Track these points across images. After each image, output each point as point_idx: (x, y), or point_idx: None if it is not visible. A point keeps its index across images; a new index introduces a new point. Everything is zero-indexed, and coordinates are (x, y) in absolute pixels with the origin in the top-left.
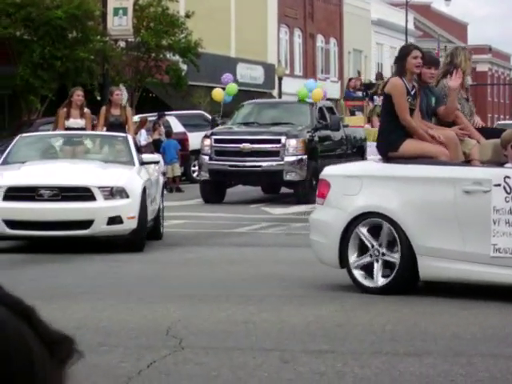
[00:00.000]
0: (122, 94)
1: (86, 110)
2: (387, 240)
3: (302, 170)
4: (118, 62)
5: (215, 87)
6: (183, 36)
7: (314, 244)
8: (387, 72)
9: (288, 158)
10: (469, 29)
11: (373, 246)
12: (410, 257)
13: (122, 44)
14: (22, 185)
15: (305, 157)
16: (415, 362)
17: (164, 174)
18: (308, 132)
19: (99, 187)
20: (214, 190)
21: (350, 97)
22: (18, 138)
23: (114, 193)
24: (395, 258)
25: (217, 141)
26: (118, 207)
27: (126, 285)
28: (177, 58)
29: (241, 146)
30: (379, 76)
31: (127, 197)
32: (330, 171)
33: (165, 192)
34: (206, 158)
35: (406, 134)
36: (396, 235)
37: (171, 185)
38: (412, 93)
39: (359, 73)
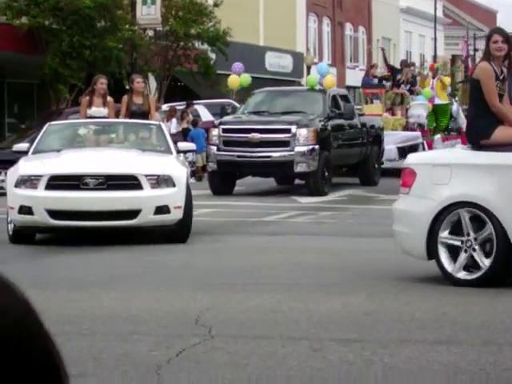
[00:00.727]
0: (143, 82)
1: (109, 98)
2: (480, 229)
3: (313, 161)
4: (147, 51)
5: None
6: (212, 25)
7: (398, 235)
8: (416, 59)
9: (299, 148)
10: (498, 16)
11: (468, 235)
12: (505, 247)
13: (151, 33)
14: (66, 173)
15: (316, 147)
16: (444, 350)
17: (194, 162)
18: (320, 121)
19: (146, 175)
20: (223, 182)
21: (368, 84)
22: (47, 125)
23: (160, 181)
24: (488, 248)
25: (225, 130)
26: (166, 196)
27: (155, 274)
28: (205, 46)
29: (249, 135)
30: (404, 63)
31: (173, 186)
32: (415, 159)
33: (193, 180)
34: (214, 148)
35: (498, 121)
36: (491, 225)
37: (200, 173)
38: (501, 77)
39: (383, 50)
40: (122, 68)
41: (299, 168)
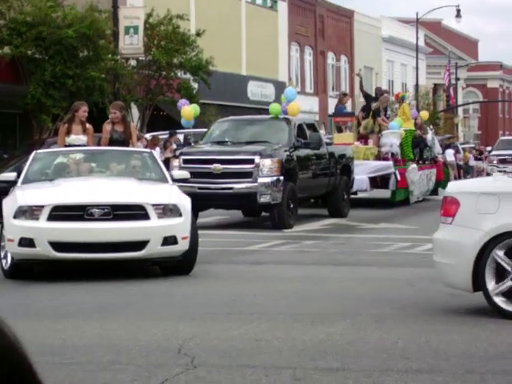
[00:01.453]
0: (119, 112)
1: (88, 125)
2: None
3: (277, 192)
4: (130, 81)
5: (226, 105)
6: (194, 54)
7: (440, 266)
8: (398, 88)
9: (262, 180)
10: (479, 45)
11: None
12: None
13: (133, 63)
14: (69, 203)
15: (281, 178)
16: (427, 379)
17: None
18: (285, 151)
19: (153, 205)
20: None
21: (339, 113)
22: (33, 154)
23: (167, 211)
24: None
25: (186, 161)
26: (173, 226)
27: (136, 303)
28: (188, 76)
29: (211, 166)
30: (379, 91)
31: (180, 215)
32: (457, 188)
33: None
34: None
35: None
36: None
37: None
38: None
39: (360, 76)
40: (104, 97)
41: (263, 199)
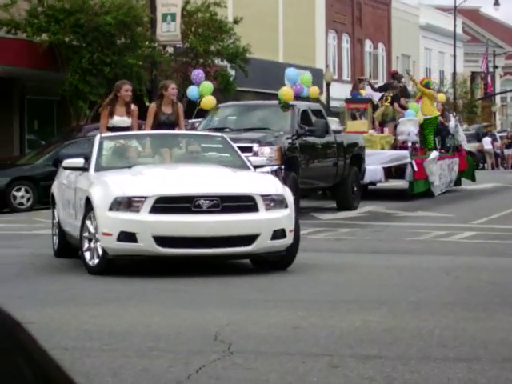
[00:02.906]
0: (176, 89)
1: (133, 106)
2: None
3: None
4: (167, 68)
5: (263, 93)
6: (231, 41)
7: None
8: (435, 76)
9: (261, 169)
10: None
11: None
12: None
13: (171, 50)
14: (176, 194)
15: (282, 167)
16: (464, 367)
17: None
18: (287, 138)
19: (262, 195)
20: None
21: (353, 99)
22: (98, 138)
23: (274, 202)
24: None
25: None
26: (282, 219)
27: (174, 290)
28: (225, 63)
29: None
30: (396, 75)
31: (286, 206)
32: None
33: None
34: None
35: None
36: None
37: None
38: None
39: (368, 81)
40: (142, 85)
41: None
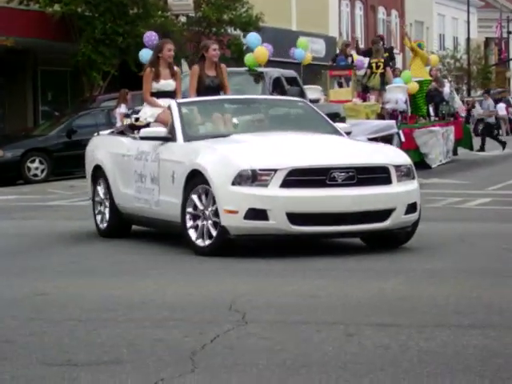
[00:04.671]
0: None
1: (176, 68)
2: None
3: None
4: (180, 38)
5: (276, 61)
6: (244, 10)
7: None
8: (449, 43)
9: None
10: None
11: None
12: None
13: (183, 19)
14: (310, 166)
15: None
16: (479, 334)
17: None
18: None
19: (396, 166)
20: None
21: (336, 66)
22: (175, 105)
23: (404, 173)
24: None
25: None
26: (414, 192)
27: (190, 260)
28: (238, 32)
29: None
30: (378, 39)
31: (413, 178)
32: None
33: None
34: None
35: None
36: None
37: None
38: None
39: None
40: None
41: None
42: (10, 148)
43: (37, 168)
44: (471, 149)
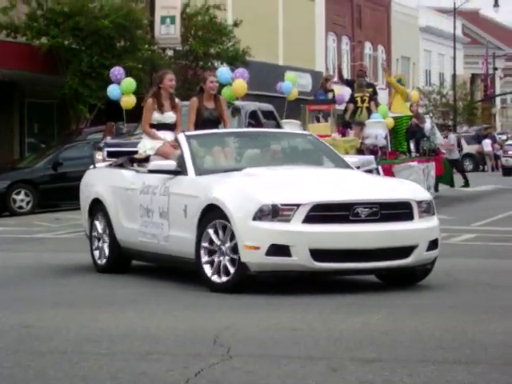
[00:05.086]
0: (216, 81)
1: (177, 100)
2: None
3: None
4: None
5: (262, 95)
6: (231, 44)
7: None
8: (435, 79)
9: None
10: None
11: None
12: None
13: (170, 53)
14: (334, 201)
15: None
16: (464, 370)
17: None
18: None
19: (417, 202)
20: None
21: (315, 100)
22: (183, 137)
23: (424, 209)
24: None
25: (110, 154)
26: (435, 228)
27: (172, 293)
28: (225, 66)
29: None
30: (363, 74)
31: (433, 214)
32: None
33: None
34: None
35: None
36: None
37: None
38: None
39: (339, 68)
40: (141, 88)
41: None
42: None
43: (22, 200)
44: (452, 185)
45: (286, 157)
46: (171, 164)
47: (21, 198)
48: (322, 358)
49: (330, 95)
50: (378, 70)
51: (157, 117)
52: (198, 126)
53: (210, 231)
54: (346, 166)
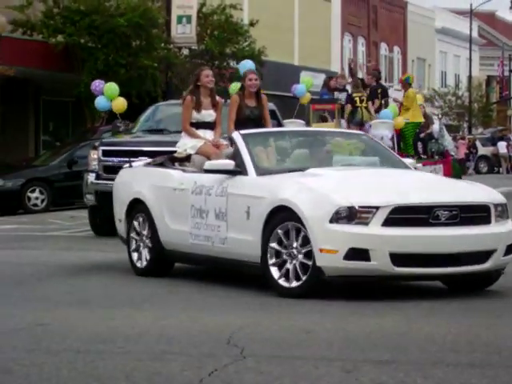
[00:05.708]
0: (259, 79)
1: (218, 98)
2: None
3: None
4: (182, 70)
5: (278, 95)
6: (247, 44)
7: None
8: (451, 80)
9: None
10: None
11: None
12: None
13: (186, 52)
14: (415, 203)
15: None
16: (477, 373)
17: None
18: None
19: (495, 205)
20: (106, 219)
21: (319, 99)
22: (239, 136)
23: (500, 212)
24: None
25: (106, 153)
26: (511, 232)
27: (186, 293)
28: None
29: (136, 160)
30: (351, 68)
31: (507, 217)
32: None
33: None
34: (93, 176)
35: None
36: None
37: None
38: None
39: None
40: (157, 86)
41: None
42: (11, 177)
43: (37, 198)
44: None
45: (353, 157)
46: (229, 163)
47: (35, 196)
48: (335, 359)
49: (336, 94)
50: (394, 70)
51: (196, 115)
52: (238, 125)
53: (280, 232)
54: (405, 166)
